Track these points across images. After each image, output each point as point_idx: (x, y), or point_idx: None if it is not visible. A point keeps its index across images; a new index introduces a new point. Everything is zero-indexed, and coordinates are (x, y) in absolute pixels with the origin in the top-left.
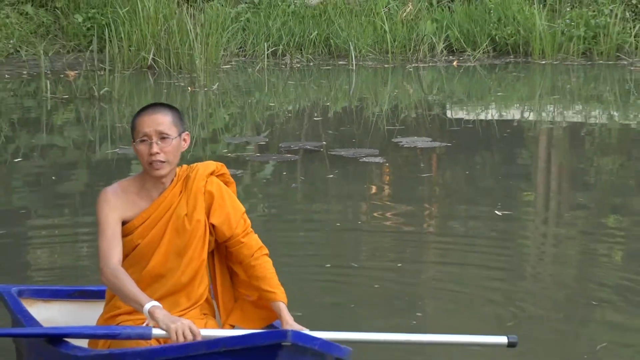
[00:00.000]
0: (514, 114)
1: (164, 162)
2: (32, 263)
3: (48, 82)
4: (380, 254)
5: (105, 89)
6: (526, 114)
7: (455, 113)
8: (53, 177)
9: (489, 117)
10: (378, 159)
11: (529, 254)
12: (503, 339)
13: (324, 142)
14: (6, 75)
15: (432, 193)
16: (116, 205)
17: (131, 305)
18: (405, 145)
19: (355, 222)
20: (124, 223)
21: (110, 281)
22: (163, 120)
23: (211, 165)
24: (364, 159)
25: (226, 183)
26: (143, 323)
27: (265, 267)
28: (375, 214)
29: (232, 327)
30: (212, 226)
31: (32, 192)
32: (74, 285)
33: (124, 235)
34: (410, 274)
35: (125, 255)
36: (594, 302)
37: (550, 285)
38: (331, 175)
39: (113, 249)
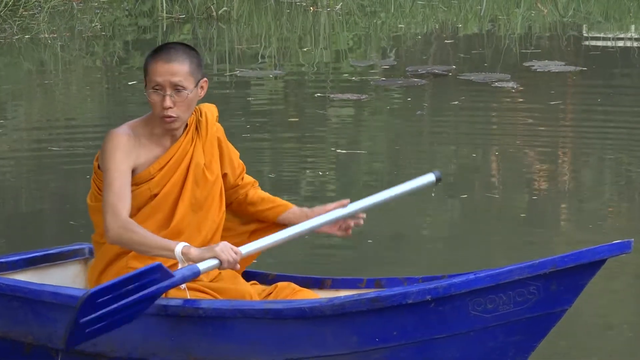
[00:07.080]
0: None
1: (175, 117)
2: None
3: (164, 0)
4: (513, 185)
5: (224, 8)
6: None
7: (592, 36)
8: None
9: (628, 41)
10: (510, 84)
11: None
12: (430, 177)
13: (453, 66)
14: None
15: (565, 122)
16: (130, 151)
17: (157, 254)
18: (539, 69)
19: (485, 152)
20: (135, 170)
21: (124, 236)
22: (179, 70)
23: (213, 108)
24: (495, 84)
25: None
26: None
27: (258, 191)
28: (505, 144)
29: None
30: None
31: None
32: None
33: (139, 183)
34: (550, 202)
35: (139, 208)
36: None
37: None
38: (456, 102)
39: (121, 202)
